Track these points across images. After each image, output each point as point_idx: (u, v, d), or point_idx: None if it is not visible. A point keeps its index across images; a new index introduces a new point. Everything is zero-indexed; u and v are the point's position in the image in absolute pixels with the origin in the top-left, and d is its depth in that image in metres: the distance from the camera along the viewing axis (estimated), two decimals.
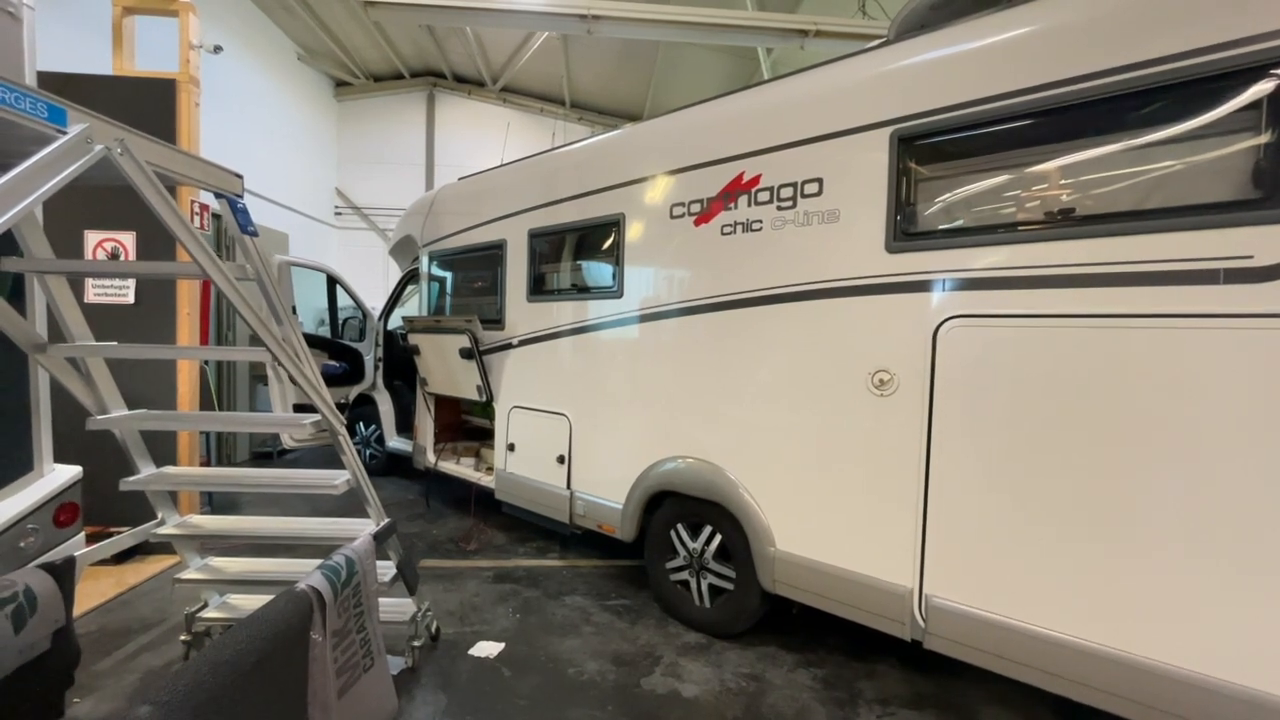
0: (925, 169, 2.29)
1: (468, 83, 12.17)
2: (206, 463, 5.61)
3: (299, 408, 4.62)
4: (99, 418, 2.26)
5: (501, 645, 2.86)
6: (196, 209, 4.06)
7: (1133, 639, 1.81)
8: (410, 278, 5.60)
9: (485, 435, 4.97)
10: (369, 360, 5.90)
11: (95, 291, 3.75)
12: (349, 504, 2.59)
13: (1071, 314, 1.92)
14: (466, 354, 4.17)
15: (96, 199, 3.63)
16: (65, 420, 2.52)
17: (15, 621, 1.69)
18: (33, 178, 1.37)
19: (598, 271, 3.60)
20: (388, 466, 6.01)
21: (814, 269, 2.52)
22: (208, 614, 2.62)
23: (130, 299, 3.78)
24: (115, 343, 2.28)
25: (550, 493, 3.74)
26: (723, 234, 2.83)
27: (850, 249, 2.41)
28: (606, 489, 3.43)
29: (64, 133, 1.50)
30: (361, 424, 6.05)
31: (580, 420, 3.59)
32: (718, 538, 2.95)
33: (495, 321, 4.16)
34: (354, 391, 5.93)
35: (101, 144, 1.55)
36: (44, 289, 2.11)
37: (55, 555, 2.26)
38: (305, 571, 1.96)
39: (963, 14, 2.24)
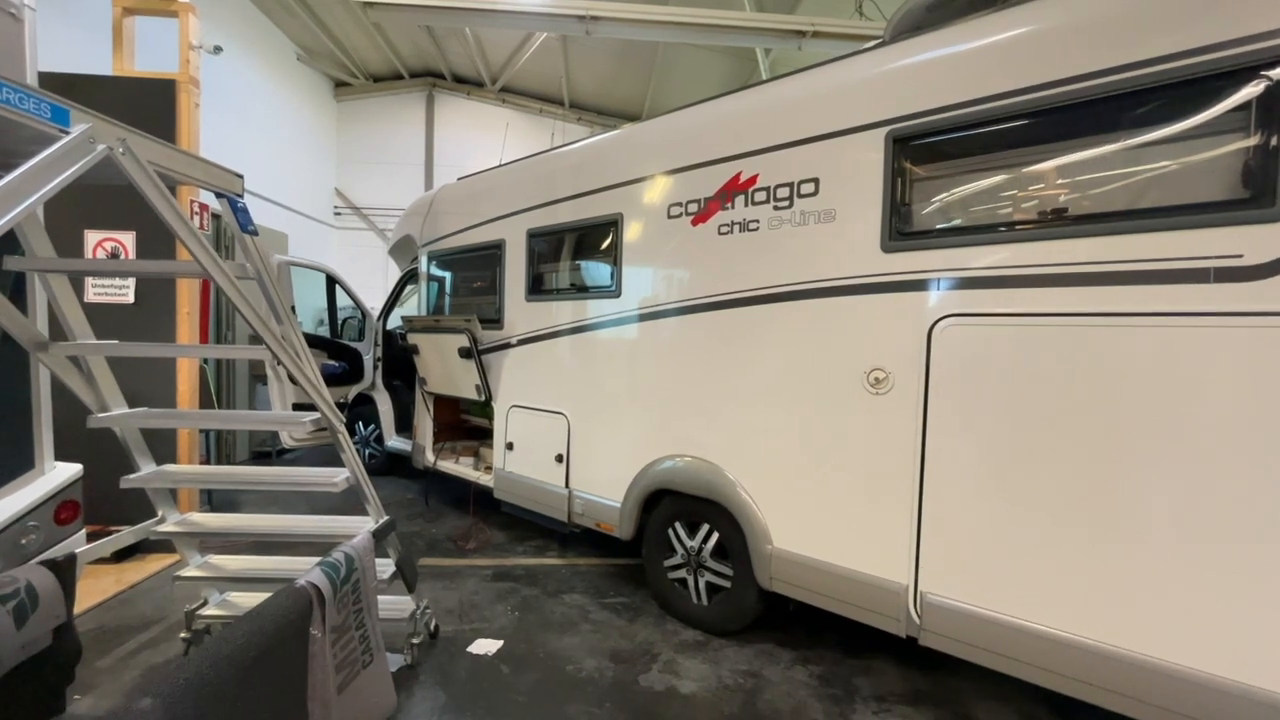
0: (920, 169, 2.31)
1: (467, 83, 12.18)
2: (206, 462, 5.62)
3: (298, 407, 4.64)
4: (100, 416, 2.28)
5: (500, 643, 2.87)
6: (196, 209, 4.07)
7: (1127, 635, 1.83)
8: (409, 277, 5.61)
9: (484, 434, 4.98)
10: (368, 360, 5.91)
11: (95, 291, 3.76)
12: (348, 502, 2.61)
13: (1065, 313, 1.94)
14: (465, 353, 4.19)
15: (96, 199, 3.65)
16: (66, 418, 2.53)
17: (17, 617, 1.70)
18: (36, 177, 1.38)
19: (596, 271, 3.62)
20: (387, 466, 6.02)
21: (810, 268, 2.54)
22: (207, 611, 2.63)
23: (130, 298, 3.79)
24: (116, 341, 2.29)
25: (549, 491, 3.75)
26: (720, 234, 2.85)
27: (846, 248, 2.43)
28: (605, 488, 3.45)
29: (67, 133, 1.51)
30: (361, 423, 6.06)
31: (578, 419, 3.61)
32: (715, 536, 2.97)
33: (494, 321, 4.18)
34: (353, 391, 5.95)
35: (104, 144, 1.57)
36: (45, 288, 2.12)
37: (56, 552, 2.27)
38: (305, 569, 1.97)
39: (958, 15, 2.27)
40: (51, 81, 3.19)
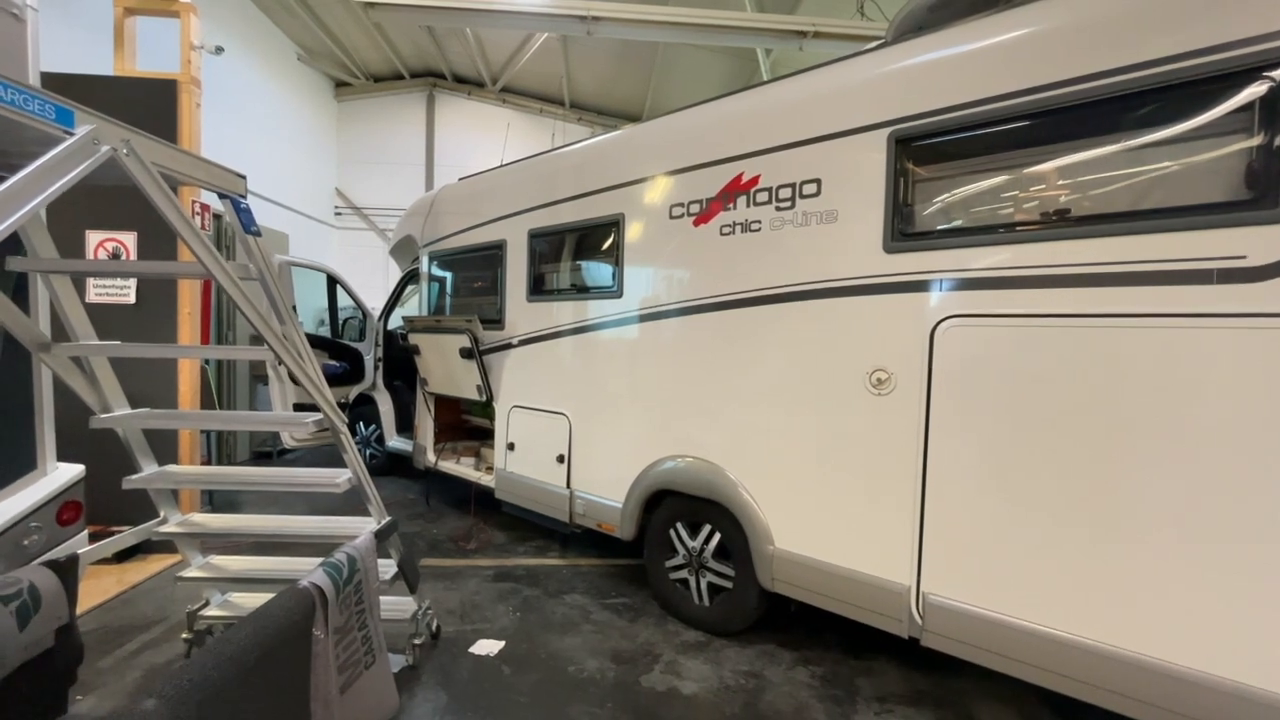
0: (923, 170, 2.31)
1: (467, 83, 12.18)
2: (207, 462, 5.62)
3: (299, 407, 4.64)
4: (102, 416, 2.28)
5: (502, 643, 2.87)
6: (197, 209, 4.07)
7: (1129, 636, 1.83)
8: (410, 278, 5.61)
9: (485, 435, 4.98)
10: (369, 360, 5.92)
11: (96, 291, 3.76)
12: (348, 503, 2.60)
13: (1067, 314, 1.93)
14: (466, 354, 4.19)
15: (98, 199, 3.65)
16: (68, 419, 2.53)
17: (20, 618, 1.70)
18: (40, 179, 1.38)
19: (597, 271, 3.62)
20: (388, 466, 6.03)
21: (812, 269, 2.54)
22: (209, 612, 2.63)
23: (131, 299, 3.79)
24: (119, 342, 2.29)
25: (550, 492, 3.75)
26: (722, 234, 2.85)
27: (848, 249, 2.43)
28: (606, 488, 3.45)
29: (71, 134, 1.51)
30: (361, 424, 6.06)
31: (580, 420, 3.61)
32: (716, 536, 2.97)
33: (495, 321, 4.18)
34: (354, 391, 5.94)
35: (108, 145, 1.56)
36: (48, 288, 2.12)
37: (58, 553, 2.27)
38: (307, 570, 1.97)
39: (960, 16, 2.26)
40: (53, 81, 3.18)
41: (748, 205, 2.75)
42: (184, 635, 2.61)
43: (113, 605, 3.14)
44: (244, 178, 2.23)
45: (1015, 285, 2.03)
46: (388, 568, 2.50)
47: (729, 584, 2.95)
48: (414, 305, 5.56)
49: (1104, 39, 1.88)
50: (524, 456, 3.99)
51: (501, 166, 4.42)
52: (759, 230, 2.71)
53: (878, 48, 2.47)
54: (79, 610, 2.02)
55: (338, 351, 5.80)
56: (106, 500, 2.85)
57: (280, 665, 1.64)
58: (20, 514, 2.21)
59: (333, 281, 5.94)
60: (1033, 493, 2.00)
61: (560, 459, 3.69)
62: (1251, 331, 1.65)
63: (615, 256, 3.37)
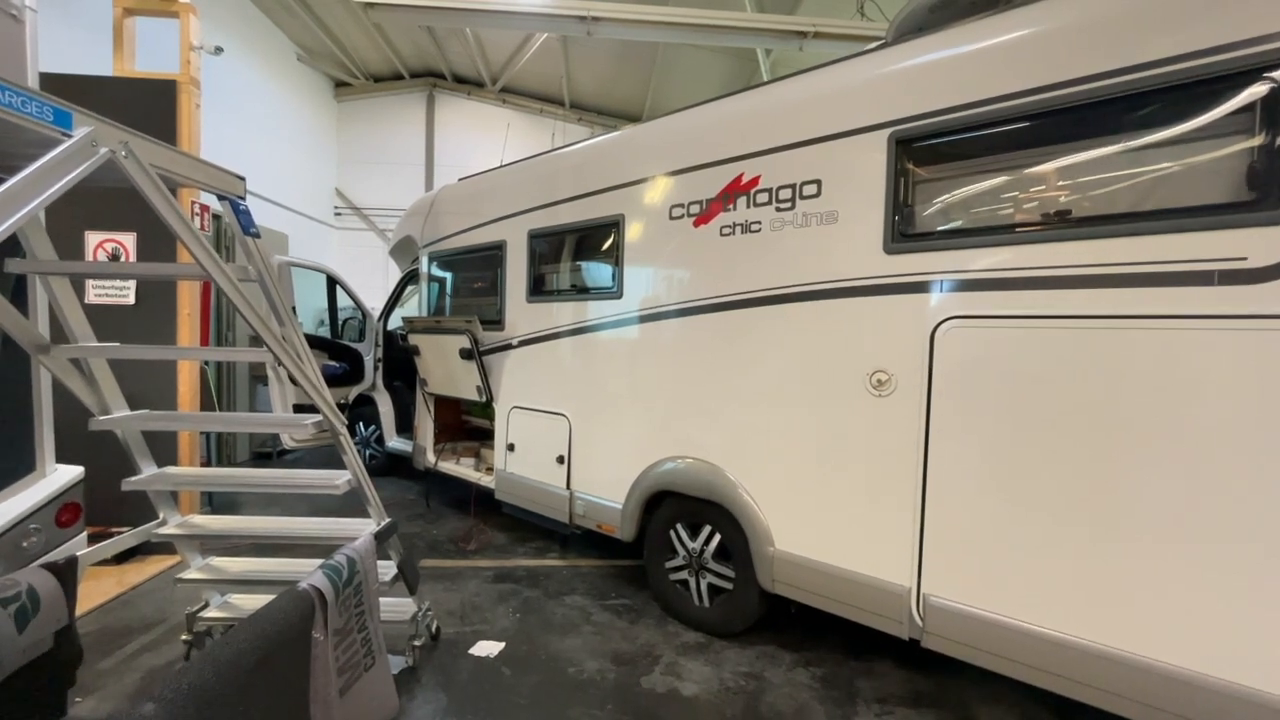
0: (923, 170, 2.30)
1: (467, 83, 12.17)
2: (206, 463, 5.62)
3: (299, 408, 4.64)
4: (102, 418, 2.28)
5: (502, 645, 2.87)
6: (196, 210, 4.07)
7: (1129, 637, 1.83)
8: (410, 278, 5.61)
9: (485, 435, 4.98)
10: (369, 361, 5.91)
11: (95, 292, 3.76)
12: (348, 504, 2.60)
13: (1068, 315, 1.93)
14: (466, 354, 4.18)
15: (97, 200, 3.64)
16: (67, 420, 2.53)
17: (19, 620, 1.70)
18: (39, 181, 1.38)
19: (597, 272, 3.62)
20: (388, 467, 6.02)
21: (813, 270, 2.53)
22: (209, 613, 2.62)
23: (130, 300, 3.79)
24: (118, 343, 2.29)
25: (550, 493, 3.75)
26: (722, 235, 2.84)
27: (849, 250, 2.42)
28: (606, 489, 3.44)
29: (69, 136, 1.50)
30: (361, 424, 6.06)
31: (580, 420, 3.61)
32: (717, 537, 2.96)
33: (495, 322, 4.17)
34: (354, 392, 5.94)
35: (106, 147, 1.56)
36: (47, 290, 2.12)
37: (57, 555, 2.27)
38: (306, 571, 1.97)
39: (961, 16, 2.26)
40: (52, 82, 3.18)
41: (748, 206, 2.75)
42: (183, 637, 2.60)
43: (112, 607, 3.14)
44: (243, 179, 2.22)
45: (1015, 286, 2.03)
46: (387, 569, 2.50)
47: (729, 585, 2.94)
48: (414, 305, 5.56)
49: (1105, 40, 1.87)
50: (524, 457, 3.98)
51: (501, 167, 4.41)
52: (759, 231, 2.71)
53: (878, 48, 2.47)
54: (78, 612, 2.02)
55: (337, 352, 5.80)
56: (106, 502, 2.85)
57: (280, 667, 1.64)
58: (19, 516, 2.21)
59: (332, 282, 5.94)
60: (1033, 494, 2.00)
61: (560, 460, 3.69)
62: (1252, 333, 1.65)
63: (615, 257, 3.36)
